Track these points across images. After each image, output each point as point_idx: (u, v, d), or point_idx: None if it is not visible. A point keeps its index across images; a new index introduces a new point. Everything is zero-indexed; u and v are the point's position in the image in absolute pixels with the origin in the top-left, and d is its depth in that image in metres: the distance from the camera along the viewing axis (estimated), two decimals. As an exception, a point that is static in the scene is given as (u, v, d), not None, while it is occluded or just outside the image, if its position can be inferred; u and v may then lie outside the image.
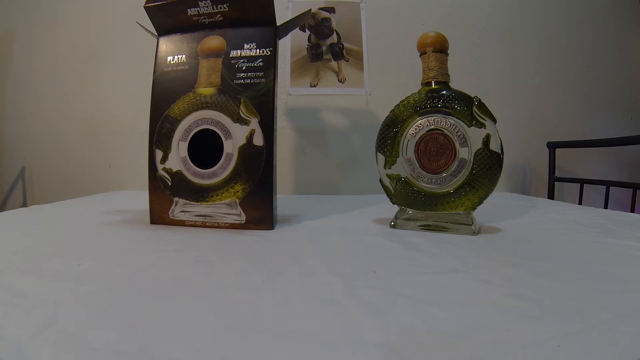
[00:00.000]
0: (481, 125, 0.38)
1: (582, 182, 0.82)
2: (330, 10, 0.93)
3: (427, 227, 0.41)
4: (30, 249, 0.33)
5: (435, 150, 0.40)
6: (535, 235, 0.40)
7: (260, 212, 0.42)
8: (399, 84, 0.92)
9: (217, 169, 0.42)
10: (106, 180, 0.95)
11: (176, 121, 0.44)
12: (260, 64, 0.43)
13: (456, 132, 0.39)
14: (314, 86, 0.92)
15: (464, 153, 0.39)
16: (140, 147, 0.90)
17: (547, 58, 0.96)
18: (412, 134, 0.41)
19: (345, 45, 0.93)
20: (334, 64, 0.92)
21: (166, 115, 0.44)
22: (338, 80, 0.92)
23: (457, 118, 0.39)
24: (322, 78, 0.92)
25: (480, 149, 0.38)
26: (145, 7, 0.44)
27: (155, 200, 0.45)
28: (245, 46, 0.44)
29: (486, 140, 0.38)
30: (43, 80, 0.96)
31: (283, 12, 0.90)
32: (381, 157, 0.43)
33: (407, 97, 0.42)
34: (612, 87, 0.98)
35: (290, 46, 0.92)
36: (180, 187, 0.44)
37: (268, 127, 0.42)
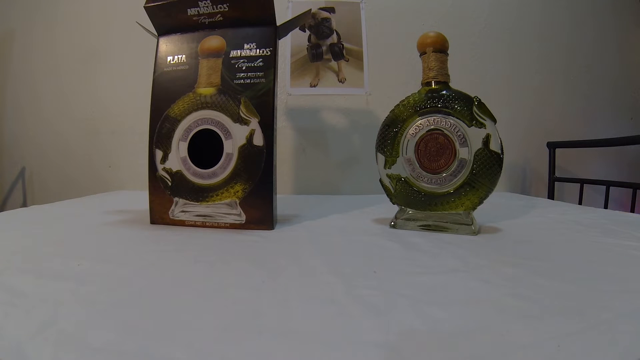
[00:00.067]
0: (481, 125, 0.38)
1: (582, 182, 0.82)
2: (330, 10, 0.92)
3: (427, 227, 0.41)
4: (30, 249, 0.33)
5: (435, 150, 0.40)
6: (535, 235, 0.40)
7: (260, 212, 0.42)
8: (399, 84, 0.92)
9: (217, 169, 0.42)
10: (106, 180, 0.95)
11: (176, 121, 0.44)
12: (260, 64, 0.43)
13: (456, 132, 0.39)
14: (314, 86, 0.92)
15: (464, 153, 0.39)
16: (140, 147, 0.90)
17: (547, 58, 0.96)
18: (412, 134, 0.41)
19: (345, 45, 0.92)
20: (334, 64, 0.92)
21: (166, 115, 0.44)
22: (338, 80, 0.92)
23: (457, 118, 0.39)
24: (322, 78, 0.92)
25: (480, 149, 0.38)
26: (145, 7, 0.44)
27: (155, 200, 0.45)
28: (245, 46, 0.44)
29: (486, 140, 0.38)
30: (43, 80, 0.96)
31: (283, 12, 0.90)
32: (381, 157, 0.43)
33: (407, 97, 0.42)
34: (612, 87, 0.98)
35: (290, 46, 0.92)
36: (180, 187, 0.44)
37: (268, 127, 0.42)
